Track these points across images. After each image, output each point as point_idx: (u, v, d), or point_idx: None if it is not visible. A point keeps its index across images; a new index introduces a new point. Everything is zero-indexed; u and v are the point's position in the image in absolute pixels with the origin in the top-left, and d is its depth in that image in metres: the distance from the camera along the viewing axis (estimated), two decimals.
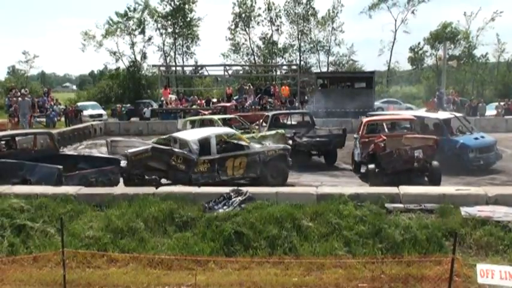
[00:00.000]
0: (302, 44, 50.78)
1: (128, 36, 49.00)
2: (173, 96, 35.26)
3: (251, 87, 33.83)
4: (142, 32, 49.56)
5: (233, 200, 8.71)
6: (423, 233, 7.64)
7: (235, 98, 31.96)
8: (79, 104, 35.70)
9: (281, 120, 18.51)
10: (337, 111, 25.98)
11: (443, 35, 47.04)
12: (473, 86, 47.21)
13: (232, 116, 19.96)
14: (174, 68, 46.20)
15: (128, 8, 48.06)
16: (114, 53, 49.35)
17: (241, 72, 45.88)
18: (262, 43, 51.43)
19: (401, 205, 8.56)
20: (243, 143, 12.39)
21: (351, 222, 7.96)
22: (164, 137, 13.51)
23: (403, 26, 49.50)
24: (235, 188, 9.20)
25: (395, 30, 49.57)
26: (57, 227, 7.95)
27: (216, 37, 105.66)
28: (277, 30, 50.88)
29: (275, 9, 50.21)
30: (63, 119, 29.11)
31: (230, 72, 38.42)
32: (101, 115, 33.13)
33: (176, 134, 13.14)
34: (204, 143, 11.72)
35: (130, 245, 7.81)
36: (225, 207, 8.59)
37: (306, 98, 31.33)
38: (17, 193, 9.21)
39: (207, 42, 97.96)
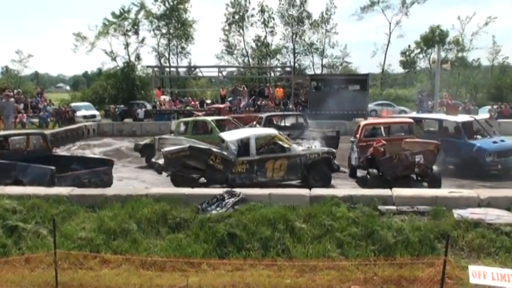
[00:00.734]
0: (296, 46, 50.96)
1: (123, 36, 48.94)
2: (166, 98, 35.12)
3: (245, 88, 33.86)
4: (136, 33, 49.52)
5: (226, 201, 8.70)
6: (416, 235, 7.66)
7: (229, 99, 31.92)
8: (72, 104, 35.50)
9: (275, 122, 18.54)
10: (331, 113, 26.04)
11: (433, 39, 47.38)
12: (466, 89, 47.52)
13: (226, 117, 19.89)
14: (168, 69, 46.16)
15: (123, 9, 48.05)
16: (111, 52, 49.29)
17: (235, 73, 45.89)
18: (255, 45, 51.52)
19: (394, 207, 8.57)
20: (285, 144, 12.28)
21: (343, 224, 7.97)
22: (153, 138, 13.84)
23: (398, 29, 49.96)
24: (228, 189, 9.21)
25: (390, 33, 49.95)
26: (50, 228, 7.92)
27: (210, 39, 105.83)
28: (271, 32, 51.10)
29: (268, 11, 50.37)
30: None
31: (224, 73, 38.37)
32: (94, 116, 32.90)
33: (220, 134, 13.22)
34: (244, 144, 11.75)
35: (123, 246, 7.79)
36: (218, 208, 8.57)
37: (300, 100, 31.38)
38: (10, 194, 9.15)
39: (201, 43, 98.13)
